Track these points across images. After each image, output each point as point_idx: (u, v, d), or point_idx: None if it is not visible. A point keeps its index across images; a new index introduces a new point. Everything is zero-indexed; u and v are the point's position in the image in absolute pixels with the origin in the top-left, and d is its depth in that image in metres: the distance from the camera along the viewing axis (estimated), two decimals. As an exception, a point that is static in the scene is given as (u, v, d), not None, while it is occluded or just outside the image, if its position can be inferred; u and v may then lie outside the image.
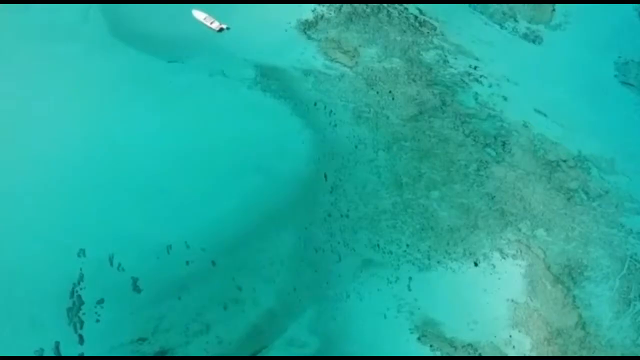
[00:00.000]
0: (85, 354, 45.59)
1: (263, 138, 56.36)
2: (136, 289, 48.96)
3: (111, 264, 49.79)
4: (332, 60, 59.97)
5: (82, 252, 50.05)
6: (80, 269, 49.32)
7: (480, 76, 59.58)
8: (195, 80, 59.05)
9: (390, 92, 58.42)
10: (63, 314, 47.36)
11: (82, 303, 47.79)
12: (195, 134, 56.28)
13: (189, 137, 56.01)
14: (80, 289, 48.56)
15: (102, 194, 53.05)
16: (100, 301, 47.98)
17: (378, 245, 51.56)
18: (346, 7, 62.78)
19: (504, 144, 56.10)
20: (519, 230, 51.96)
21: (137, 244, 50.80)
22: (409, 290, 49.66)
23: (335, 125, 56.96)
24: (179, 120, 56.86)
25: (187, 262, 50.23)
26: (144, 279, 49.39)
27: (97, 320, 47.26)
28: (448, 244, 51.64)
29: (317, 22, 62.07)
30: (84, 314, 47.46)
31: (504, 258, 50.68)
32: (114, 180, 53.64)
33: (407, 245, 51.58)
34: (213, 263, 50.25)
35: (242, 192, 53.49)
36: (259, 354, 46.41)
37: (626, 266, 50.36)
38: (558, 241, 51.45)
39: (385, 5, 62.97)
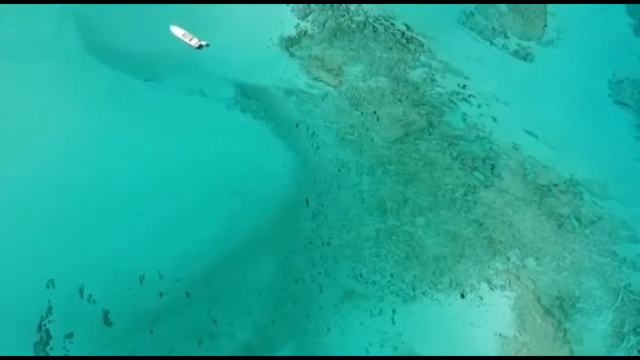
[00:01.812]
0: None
1: (242, 161, 54.14)
2: (107, 322, 46.96)
3: (81, 295, 47.74)
4: (315, 79, 57.65)
5: (51, 283, 48.04)
6: (49, 301, 47.30)
7: (469, 95, 57.36)
8: (172, 99, 56.70)
9: (375, 112, 56.17)
10: (29, 349, 45.34)
11: (50, 337, 45.84)
12: (171, 156, 53.96)
13: (165, 159, 53.72)
14: (49, 322, 46.55)
15: (72, 220, 50.83)
16: (69, 335, 46.02)
17: (361, 275, 49.46)
18: (330, 23, 60.45)
19: (492, 167, 53.91)
20: (508, 259, 49.85)
21: (108, 274, 48.82)
22: (393, 323, 47.62)
23: (318, 148, 54.70)
24: (155, 142, 54.53)
25: (161, 294, 48.28)
26: (115, 311, 47.43)
27: (66, 356, 45.15)
28: (434, 273, 49.53)
29: (300, 39, 59.73)
30: (51, 349, 45.53)
31: (492, 289, 48.61)
32: (84, 205, 51.40)
33: (391, 275, 49.48)
34: (187, 294, 48.19)
35: (219, 218, 51.34)
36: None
37: (620, 298, 48.35)
38: (549, 271, 49.42)
39: (371, 20, 60.65)
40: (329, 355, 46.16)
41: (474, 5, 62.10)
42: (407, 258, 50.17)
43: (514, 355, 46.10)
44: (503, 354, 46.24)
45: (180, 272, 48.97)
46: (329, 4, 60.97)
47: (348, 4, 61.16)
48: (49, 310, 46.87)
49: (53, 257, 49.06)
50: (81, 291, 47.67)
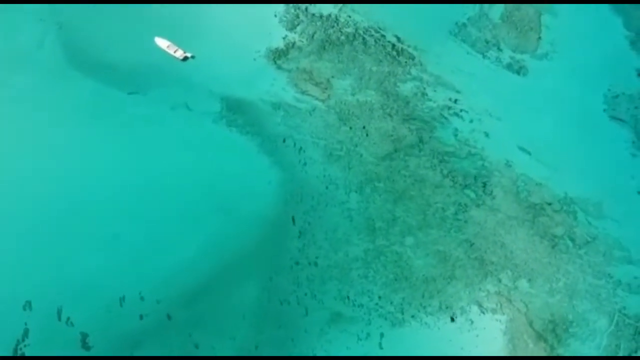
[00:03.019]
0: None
1: (227, 178, 52.65)
2: (85, 346, 45.72)
3: (59, 318, 46.43)
4: (303, 92, 56.12)
5: (27, 305, 46.70)
6: (26, 324, 46.03)
7: (461, 110, 55.86)
8: (156, 113, 55.14)
9: (364, 127, 54.65)
10: (4, 374, 43.74)
11: (25, 362, 44.09)
12: (153, 173, 52.51)
13: (146, 176, 52.23)
14: (25, 345, 45.33)
15: (49, 239, 49.42)
16: (46, 360, 44.28)
17: (348, 297, 47.94)
18: (319, 35, 58.90)
19: (484, 185, 52.41)
20: (500, 281, 48.38)
21: (87, 296, 47.57)
22: (381, 348, 46.34)
23: (305, 164, 53.16)
24: (137, 158, 53.04)
25: (141, 316, 46.98)
26: (94, 334, 46.23)
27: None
28: (423, 296, 48.05)
29: (288, 51, 58.18)
30: (27, 374, 43.83)
31: (483, 312, 47.14)
32: (62, 224, 49.86)
33: (379, 298, 48.00)
34: (169, 317, 46.82)
35: (202, 238, 49.90)
36: None
37: (614, 322, 46.96)
38: (541, 294, 47.99)
39: (361, 32, 59.14)
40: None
41: (466, 17, 60.61)
42: (396, 279, 48.70)
43: None
44: (494, 381, 44.74)
45: (161, 293, 47.70)
46: (318, 16, 59.28)
47: (337, 16, 59.43)
48: (25, 333, 45.71)
49: (29, 278, 47.75)
50: (59, 313, 46.40)
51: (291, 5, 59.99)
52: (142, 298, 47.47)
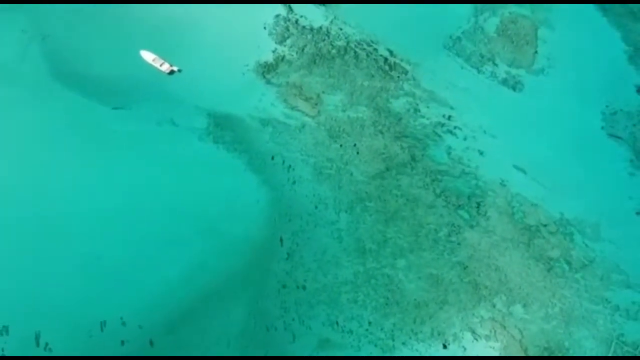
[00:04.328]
0: None
1: (213, 197, 51.09)
2: (63, 372, 43.59)
3: (37, 343, 44.66)
4: (292, 108, 54.58)
5: (4, 330, 45.08)
6: (2, 349, 44.24)
7: (455, 127, 54.35)
8: (141, 129, 53.58)
9: (354, 145, 53.10)
10: (-21, 403, 42.15)
11: (2, 390, 42.82)
12: (137, 191, 50.90)
13: (130, 195, 50.63)
14: (0, 372, 43.36)
15: (28, 261, 47.62)
16: (23, 388, 42.84)
17: (337, 323, 46.40)
18: (310, 48, 57.35)
19: (478, 205, 50.88)
20: (494, 306, 46.83)
21: (67, 320, 45.91)
22: (370, 376, 44.46)
23: (294, 183, 51.59)
24: (120, 176, 51.41)
25: (122, 342, 45.40)
26: (73, 361, 44.00)
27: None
28: (414, 321, 46.49)
29: (277, 65, 56.63)
30: (3, 402, 42.39)
31: (477, 339, 45.62)
32: (43, 245, 48.17)
33: (369, 323, 46.42)
34: (151, 343, 45.26)
35: (186, 260, 48.24)
36: None
37: (612, 349, 45.55)
38: (536, 319, 46.44)
39: (352, 45, 57.63)
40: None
41: (461, 30, 59.18)
42: (387, 304, 47.11)
43: None
44: (487, 412, 43.18)
45: (143, 318, 45.96)
46: (308, 28, 57.73)
47: (328, 28, 57.91)
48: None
49: (6, 301, 46.04)
50: (37, 339, 44.66)
51: (281, 17, 58.45)
52: (123, 323, 45.84)
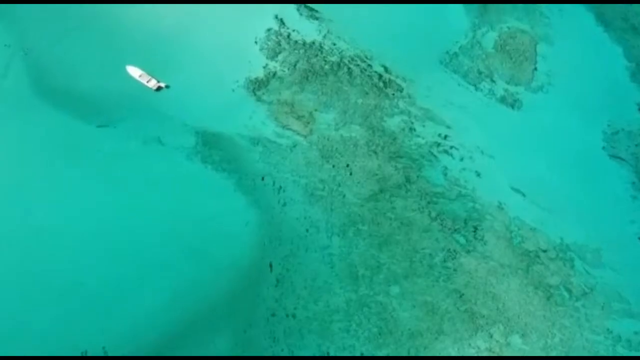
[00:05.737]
0: None
1: (200, 219, 49.25)
2: (42, 405, 41.69)
3: (16, 373, 42.50)
4: (283, 127, 52.72)
5: (-19, 360, 42.73)
6: (-22, 381, 42.15)
7: (451, 147, 52.58)
8: (127, 148, 51.66)
9: (347, 165, 51.27)
10: None
11: None
12: (121, 214, 49.06)
13: (114, 218, 48.80)
14: (-24, 405, 41.46)
15: (8, 287, 46.00)
16: (-2, 422, 40.98)
17: (328, 354, 44.59)
18: (302, 64, 55.46)
19: (475, 229, 49.11)
20: (491, 336, 45.14)
21: (47, 349, 44.16)
22: (362, 411, 42.64)
23: (285, 205, 49.74)
24: (104, 197, 49.54)
25: (104, 373, 43.07)
26: (52, 392, 42.27)
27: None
28: (409, 353, 44.82)
29: (268, 81, 54.74)
30: None
31: (473, 372, 43.62)
32: (22, 270, 46.42)
33: (362, 354, 44.45)
34: (133, 374, 43.08)
35: (171, 287, 46.63)
36: None
37: (613, 382, 43.49)
38: (536, 350, 44.95)
39: (346, 61, 55.74)
40: None
41: (458, 45, 57.36)
42: (380, 334, 45.34)
43: None
44: None
45: (126, 347, 44.55)
46: (300, 43, 55.89)
47: (321, 43, 56.05)
48: (-23, 392, 41.91)
49: (-16, 330, 43.86)
50: (16, 368, 42.61)
51: (272, 31, 56.57)
52: (105, 352, 44.18)
